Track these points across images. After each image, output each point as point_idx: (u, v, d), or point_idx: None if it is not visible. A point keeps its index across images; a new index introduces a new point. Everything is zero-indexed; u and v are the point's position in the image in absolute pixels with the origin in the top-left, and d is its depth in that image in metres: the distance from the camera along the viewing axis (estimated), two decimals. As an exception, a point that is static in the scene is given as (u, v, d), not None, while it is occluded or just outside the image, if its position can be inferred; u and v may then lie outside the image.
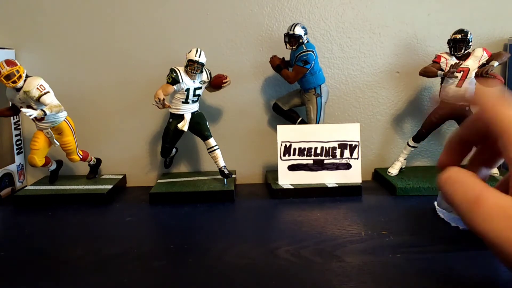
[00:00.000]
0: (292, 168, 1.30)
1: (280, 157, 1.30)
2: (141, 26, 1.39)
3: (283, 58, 1.35)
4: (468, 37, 1.26)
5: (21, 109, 1.17)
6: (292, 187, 1.27)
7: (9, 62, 1.14)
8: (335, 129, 1.30)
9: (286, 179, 1.29)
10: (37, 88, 1.17)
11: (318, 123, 1.33)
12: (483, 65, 1.25)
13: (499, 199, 0.36)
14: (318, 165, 1.30)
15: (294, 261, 0.83)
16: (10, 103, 1.25)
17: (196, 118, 1.29)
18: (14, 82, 1.15)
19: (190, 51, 1.24)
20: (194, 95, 1.27)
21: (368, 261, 0.83)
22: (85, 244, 0.94)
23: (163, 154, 1.33)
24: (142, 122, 1.43)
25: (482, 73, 1.22)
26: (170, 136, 1.29)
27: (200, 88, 1.27)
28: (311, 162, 1.30)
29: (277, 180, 1.30)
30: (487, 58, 1.26)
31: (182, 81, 1.23)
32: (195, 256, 0.86)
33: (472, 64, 1.27)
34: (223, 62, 1.39)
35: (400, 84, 1.46)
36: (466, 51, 1.27)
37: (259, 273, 0.79)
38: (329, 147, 1.30)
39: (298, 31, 1.27)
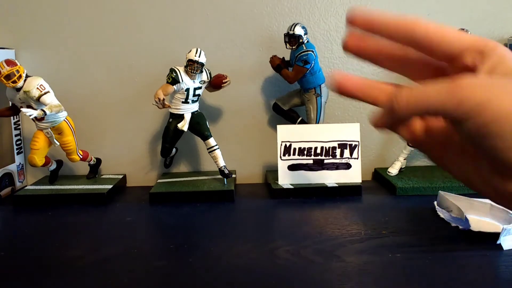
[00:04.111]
0: (292, 168, 1.30)
1: (280, 157, 1.30)
2: (141, 26, 1.39)
3: (283, 58, 1.35)
4: (468, 37, 1.26)
5: (21, 109, 1.17)
6: (292, 187, 1.27)
7: (9, 62, 1.14)
8: (335, 129, 1.30)
9: (286, 179, 1.29)
10: (37, 88, 1.17)
11: (318, 123, 1.33)
12: (483, 65, 1.26)
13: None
14: (318, 165, 1.30)
15: (294, 261, 0.83)
16: (10, 103, 1.25)
17: (196, 118, 1.29)
18: (14, 82, 1.15)
19: (190, 51, 1.24)
20: (194, 95, 1.27)
21: (368, 261, 0.83)
22: (85, 244, 0.94)
23: (163, 154, 1.33)
24: (142, 122, 1.43)
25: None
26: (170, 136, 1.29)
27: (200, 88, 1.27)
28: (311, 162, 1.30)
29: (277, 180, 1.29)
30: (487, 58, 1.26)
31: (182, 81, 1.23)
32: (195, 256, 0.86)
33: (472, 64, 1.27)
34: (223, 62, 1.39)
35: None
36: (466, 51, 1.27)
37: (259, 273, 0.79)
38: (329, 147, 1.30)
39: (298, 31, 1.27)
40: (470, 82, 0.27)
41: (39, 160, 1.25)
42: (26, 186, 1.36)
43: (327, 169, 1.30)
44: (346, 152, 1.30)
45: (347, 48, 0.37)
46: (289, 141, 1.30)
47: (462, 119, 0.27)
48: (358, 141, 1.30)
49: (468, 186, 0.33)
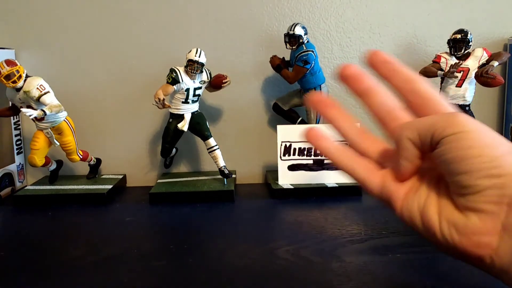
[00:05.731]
0: (292, 168, 1.30)
1: (280, 157, 1.30)
2: (141, 26, 1.39)
3: (283, 58, 1.35)
4: (468, 37, 1.26)
5: (21, 109, 1.17)
6: (292, 187, 1.27)
7: (9, 62, 1.14)
8: (335, 129, 1.30)
9: (286, 179, 1.29)
10: (37, 88, 1.17)
11: (318, 123, 1.33)
12: (483, 65, 1.26)
13: None
14: (318, 165, 1.30)
15: (294, 261, 0.83)
16: (10, 103, 1.25)
17: (196, 118, 1.29)
18: (14, 82, 1.15)
19: (190, 51, 1.24)
20: (194, 95, 1.27)
21: (368, 261, 0.83)
22: (85, 244, 0.94)
23: (163, 154, 1.33)
24: (142, 122, 1.43)
25: (482, 73, 1.22)
26: (170, 136, 1.29)
27: (200, 88, 1.27)
28: (311, 162, 1.30)
29: (277, 180, 1.30)
30: (487, 58, 1.26)
31: (182, 81, 1.23)
32: (195, 256, 0.86)
33: (472, 64, 1.27)
34: (223, 62, 1.39)
35: (400, 84, 1.46)
36: (466, 51, 1.27)
37: (259, 273, 0.79)
38: (329, 147, 1.29)
39: (298, 31, 1.27)
40: (464, 115, 0.33)
41: (39, 160, 1.25)
42: (26, 186, 1.36)
43: (327, 169, 1.30)
44: (346, 152, 1.30)
45: (344, 76, 0.41)
46: (289, 141, 1.30)
47: (446, 139, 0.31)
48: (358, 141, 1.30)
49: (422, 223, 0.36)
